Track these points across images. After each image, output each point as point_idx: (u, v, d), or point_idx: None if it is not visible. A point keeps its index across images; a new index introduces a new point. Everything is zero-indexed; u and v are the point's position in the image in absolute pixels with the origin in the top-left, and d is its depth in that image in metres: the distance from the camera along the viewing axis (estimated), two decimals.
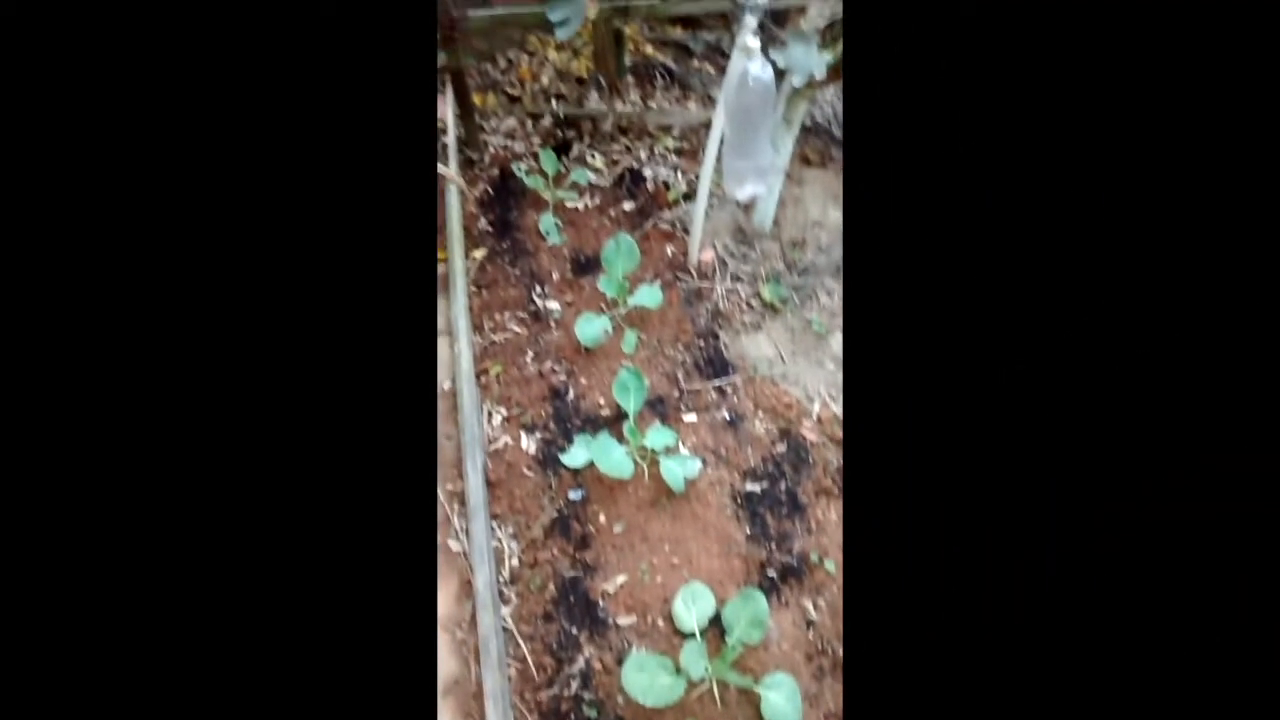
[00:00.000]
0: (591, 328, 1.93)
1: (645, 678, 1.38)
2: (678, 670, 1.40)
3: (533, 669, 1.47)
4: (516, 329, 2.05)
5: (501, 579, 1.58)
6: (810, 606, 1.55)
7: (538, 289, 2.14)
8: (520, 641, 1.50)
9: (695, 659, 1.41)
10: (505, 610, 1.54)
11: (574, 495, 1.69)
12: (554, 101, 2.80)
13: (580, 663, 1.47)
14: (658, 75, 2.91)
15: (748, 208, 2.32)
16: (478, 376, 1.91)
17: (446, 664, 1.47)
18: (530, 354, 1.97)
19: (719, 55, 2.98)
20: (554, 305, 2.09)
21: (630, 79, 2.88)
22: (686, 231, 2.27)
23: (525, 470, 1.75)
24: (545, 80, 2.90)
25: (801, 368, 1.94)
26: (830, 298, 2.11)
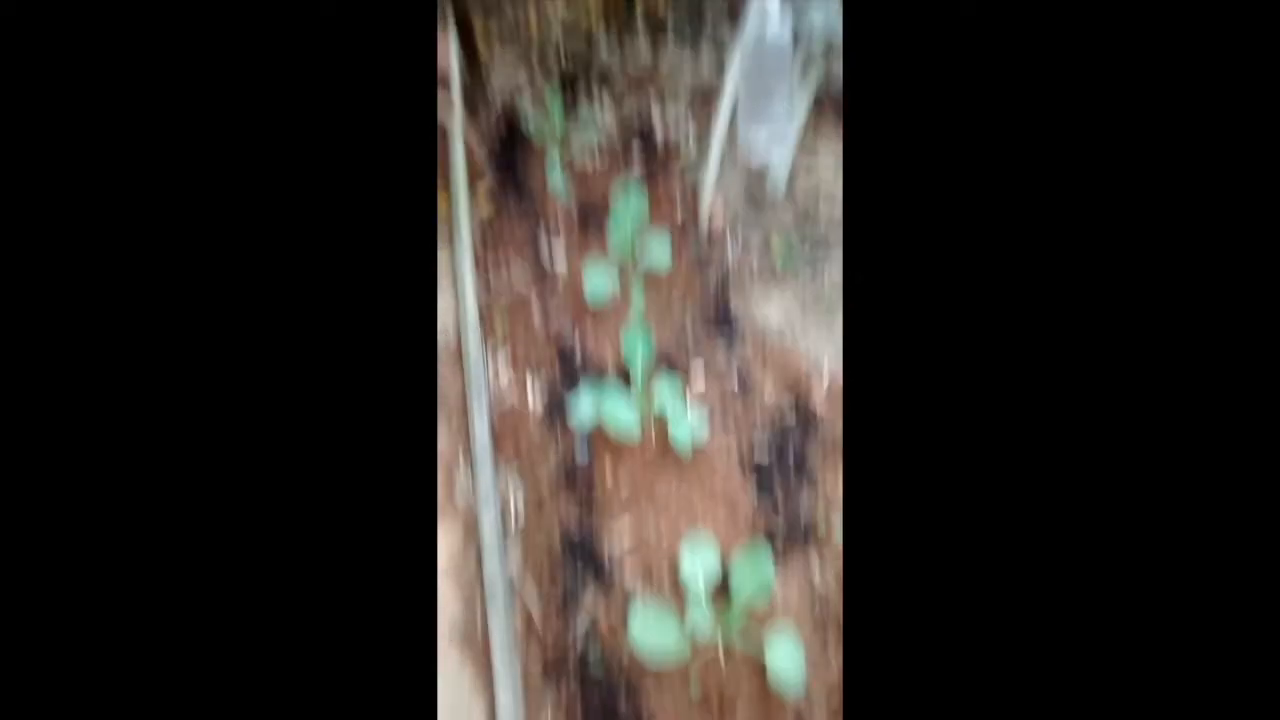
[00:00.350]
0: (599, 287, 1.89)
1: (651, 635, 1.38)
2: (683, 630, 1.39)
3: (538, 621, 1.45)
4: (523, 285, 2.01)
5: (507, 532, 1.56)
6: (816, 572, 1.54)
7: (544, 246, 2.10)
8: (526, 594, 1.48)
9: (701, 619, 1.40)
10: (511, 562, 1.52)
11: (580, 454, 1.66)
12: (562, 55, 2.73)
13: (586, 617, 1.46)
14: (669, 33, 2.84)
15: (760, 174, 2.28)
16: (483, 332, 1.87)
17: (451, 613, 1.45)
18: (537, 311, 1.94)
19: (734, 15, 2.92)
20: (561, 262, 2.05)
21: (641, 35, 2.81)
22: (697, 195, 2.23)
23: (532, 427, 1.72)
24: (554, 32, 2.83)
25: (812, 337, 1.92)
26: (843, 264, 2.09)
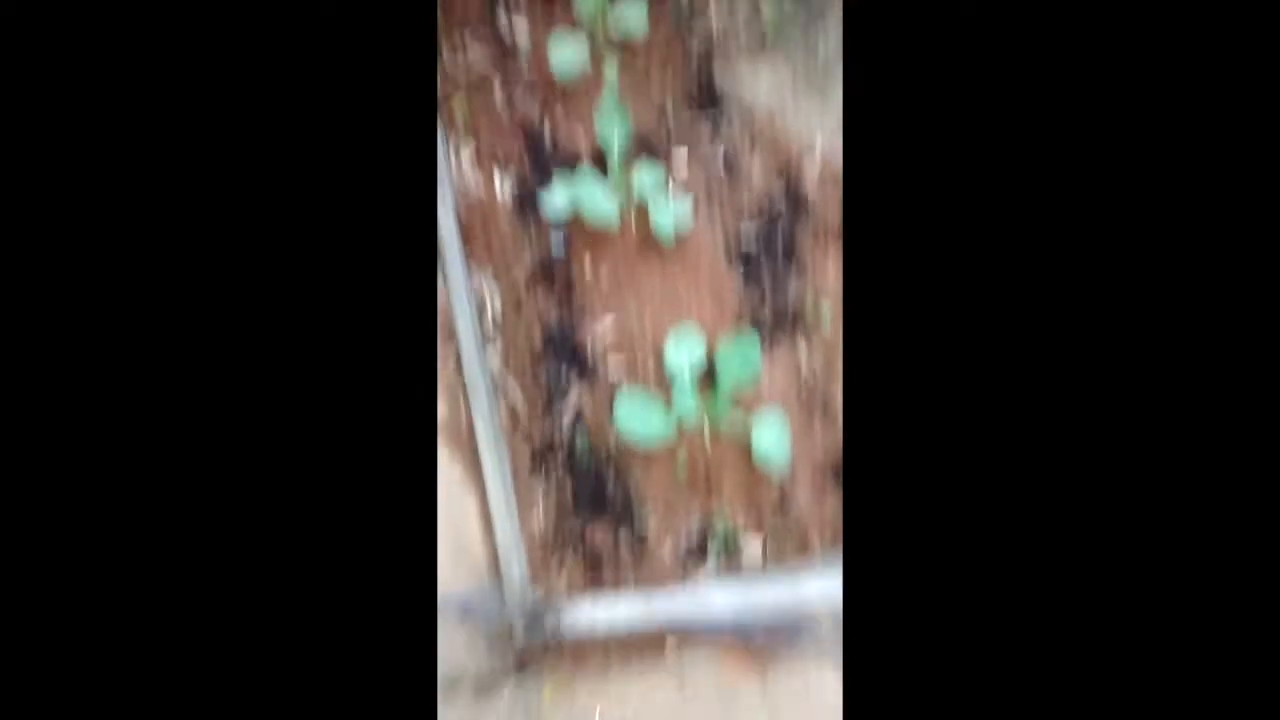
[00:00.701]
0: (567, 58, 1.69)
1: (637, 423, 1.37)
2: (669, 416, 1.38)
3: (523, 416, 1.44)
4: (482, 66, 1.79)
5: (485, 332, 1.50)
6: (804, 358, 1.52)
7: (504, 18, 1.85)
8: (508, 385, 1.46)
9: (687, 406, 1.39)
10: (491, 361, 1.48)
11: (556, 243, 1.57)
12: None
13: (571, 404, 1.45)
14: None
15: None
16: (441, 121, 1.69)
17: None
18: (499, 88, 1.74)
19: None
20: (522, 32, 1.81)
21: None
22: None
23: (502, 222, 1.61)
24: None
25: (803, 108, 1.76)
26: (839, 34, 1.87)
